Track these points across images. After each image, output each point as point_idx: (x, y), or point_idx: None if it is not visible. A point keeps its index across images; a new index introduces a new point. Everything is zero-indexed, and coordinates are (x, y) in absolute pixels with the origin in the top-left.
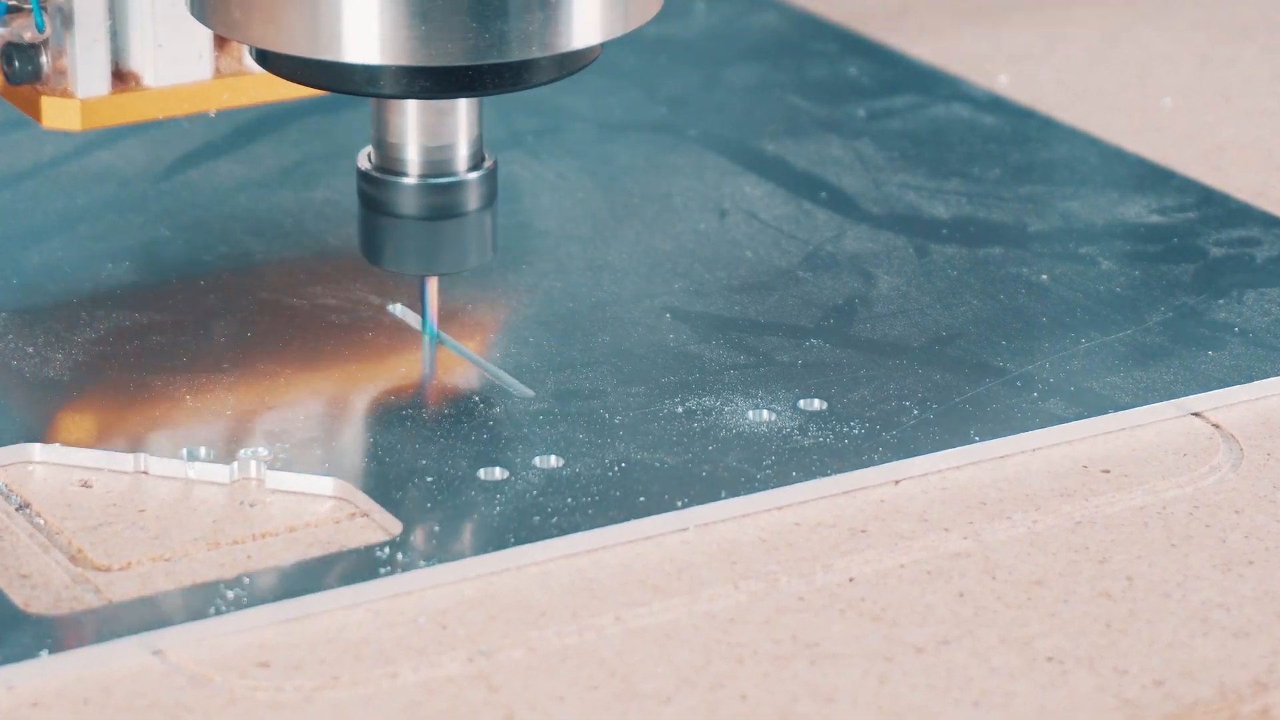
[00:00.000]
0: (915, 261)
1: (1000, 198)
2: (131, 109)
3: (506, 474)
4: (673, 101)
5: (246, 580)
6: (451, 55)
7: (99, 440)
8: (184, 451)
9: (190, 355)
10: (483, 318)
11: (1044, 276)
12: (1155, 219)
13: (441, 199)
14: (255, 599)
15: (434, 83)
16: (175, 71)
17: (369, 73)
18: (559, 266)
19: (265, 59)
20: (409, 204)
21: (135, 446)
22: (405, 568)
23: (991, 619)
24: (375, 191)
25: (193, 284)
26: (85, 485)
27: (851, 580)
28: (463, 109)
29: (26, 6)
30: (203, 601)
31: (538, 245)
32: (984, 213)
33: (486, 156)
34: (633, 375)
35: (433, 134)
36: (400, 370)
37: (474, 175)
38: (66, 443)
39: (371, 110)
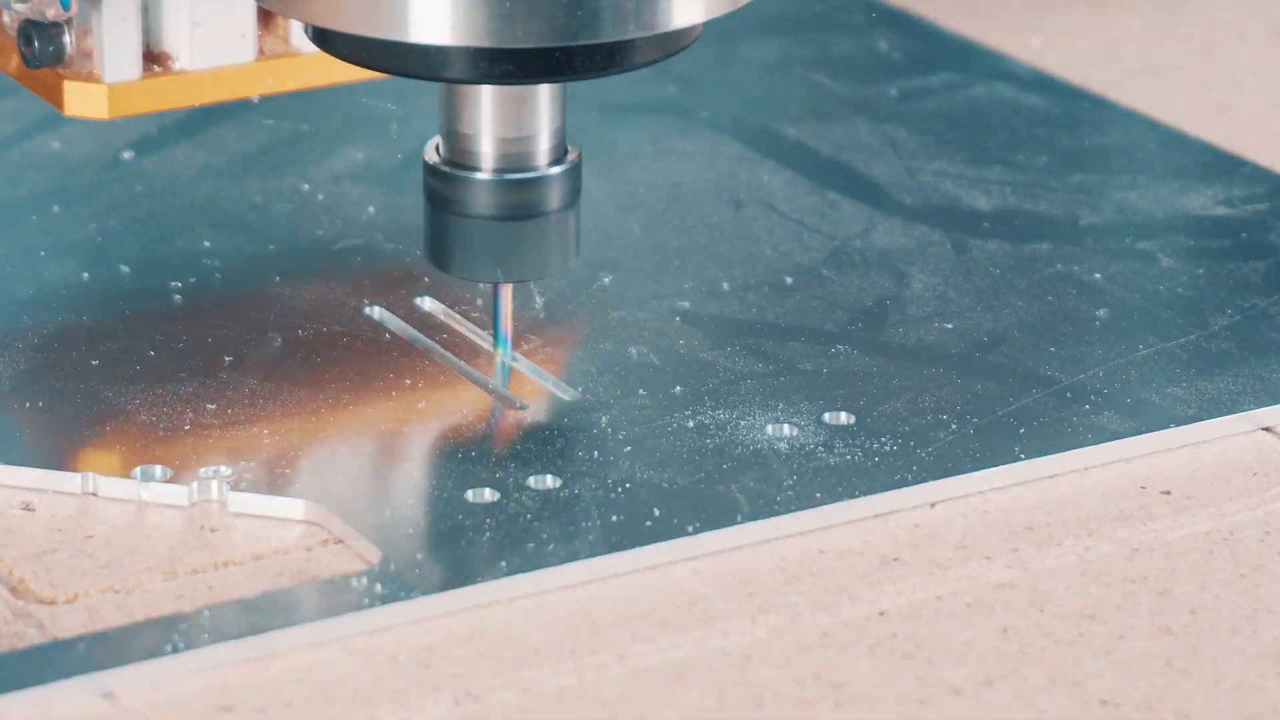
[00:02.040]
0: (953, 258)
1: (1048, 187)
2: (165, 95)
3: (497, 496)
4: (682, 80)
5: (207, 614)
6: (538, 35)
7: (42, 458)
8: (137, 471)
9: (144, 363)
10: (473, 320)
11: (1097, 275)
12: (1221, 211)
13: (519, 196)
14: (216, 635)
15: (517, 66)
16: (214, 53)
17: (444, 55)
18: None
19: (325, 39)
20: (482, 202)
21: (83, 465)
22: (384, 600)
23: (1039, 657)
24: (444, 188)
25: (147, 283)
26: (27, 508)
27: (882, 614)
28: (545, 96)
29: None
30: (158, 638)
31: None
32: (1030, 204)
33: (570, 149)
34: (638, 385)
35: (511, 124)
36: (379, 380)
37: (556, 170)
38: (6, 461)
39: (441, 97)
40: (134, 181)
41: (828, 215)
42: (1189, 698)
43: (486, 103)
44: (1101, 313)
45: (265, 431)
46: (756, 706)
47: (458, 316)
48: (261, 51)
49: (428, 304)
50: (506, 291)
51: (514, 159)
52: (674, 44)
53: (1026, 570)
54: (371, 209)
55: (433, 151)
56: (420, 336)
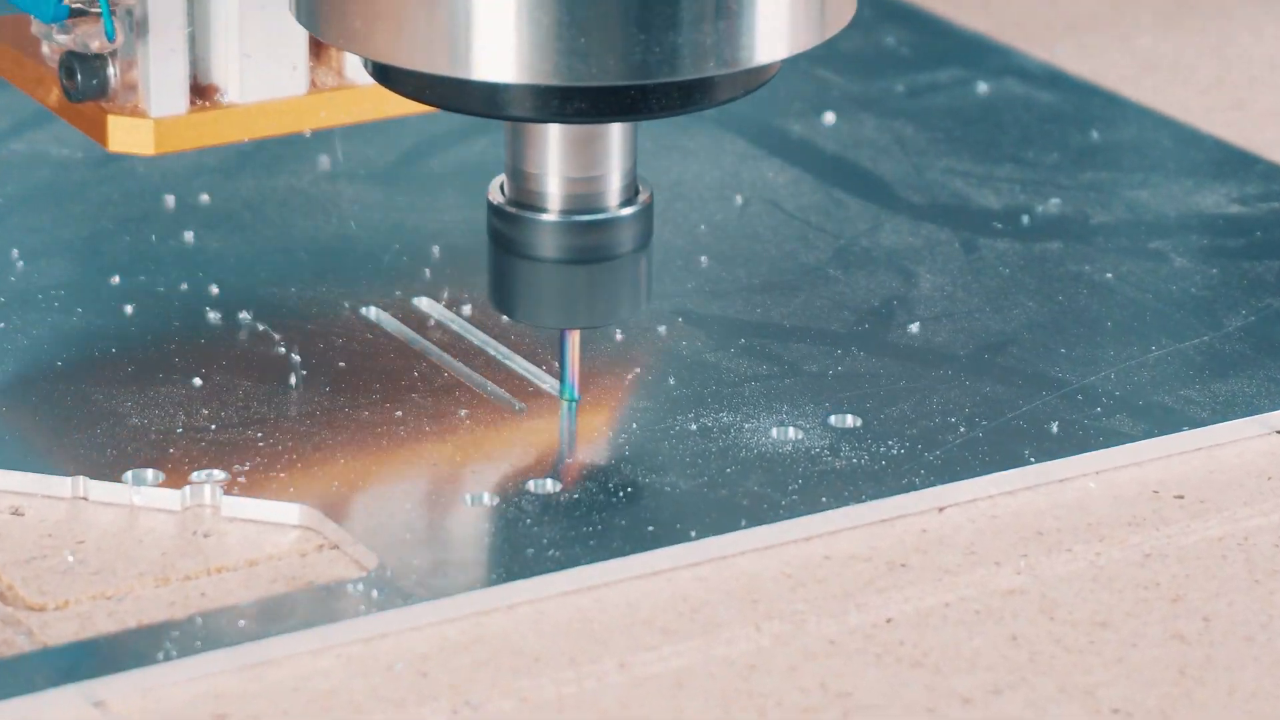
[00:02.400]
0: (962, 258)
1: (1059, 185)
2: (213, 130)
3: (496, 500)
4: None
5: (200, 621)
6: (612, 73)
7: (32, 462)
8: (129, 475)
9: (136, 365)
10: (469, 319)
11: (1109, 275)
12: (1236, 209)
13: (588, 239)
14: (210, 643)
15: (589, 105)
16: (264, 86)
17: (511, 93)
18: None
19: (385, 75)
20: (549, 245)
21: (73, 469)
22: (380, 607)
23: (1049, 665)
24: (509, 229)
25: (139, 284)
26: (16, 513)
27: (889, 621)
28: (616, 133)
29: (94, 10)
30: (150, 645)
31: None
32: (1040, 202)
33: (641, 189)
34: (639, 387)
35: (580, 163)
36: (376, 382)
37: (627, 211)
38: None
39: (506, 135)
40: (126, 180)
41: (833, 214)
42: (1203, 707)
43: (555, 141)
44: (1113, 313)
45: (259, 434)
46: (760, 716)
47: (455, 317)
48: (314, 84)
49: (425, 304)
50: (574, 338)
51: (583, 199)
52: (755, 80)
53: (1036, 576)
54: (369, 207)
55: (497, 191)
56: (417, 338)
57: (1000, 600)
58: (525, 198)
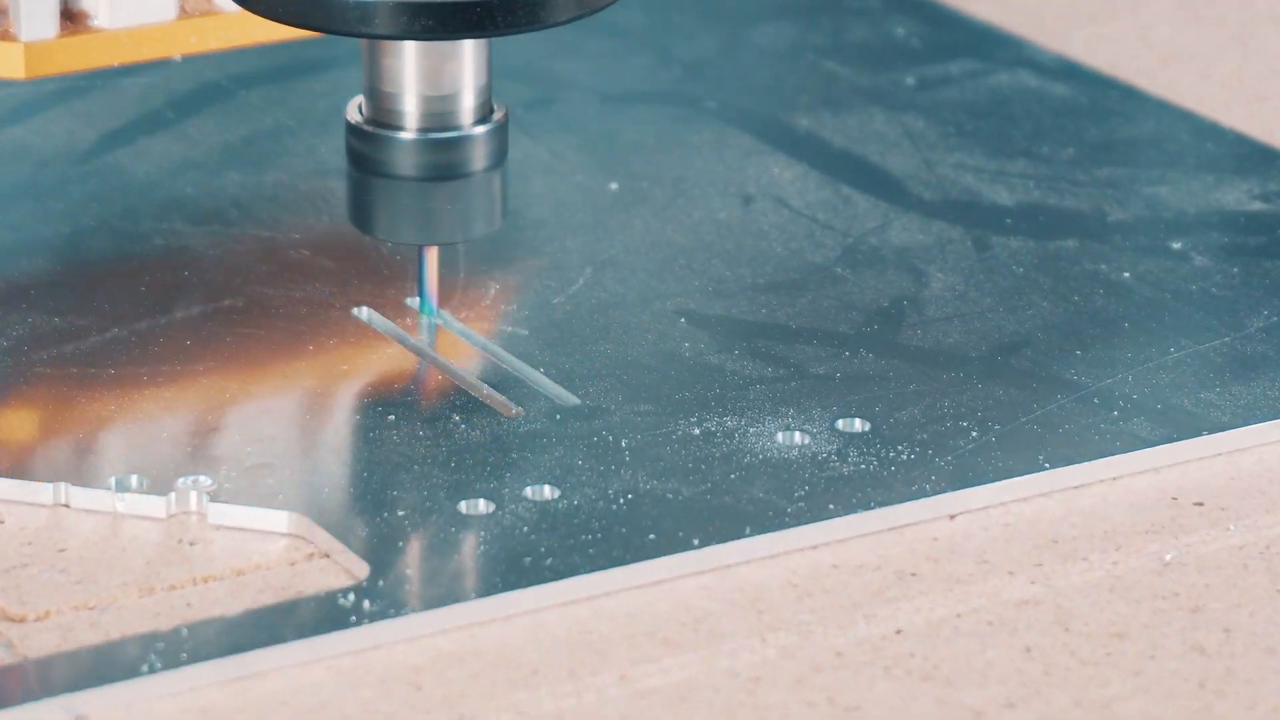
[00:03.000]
0: (974, 256)
1: (1074, 181)
2: (84, 54)
3: (492, 507)
4: (688, 67)
5: (185, 632)
6: None
7: (12, 467)
8: (112, 480)
9: (119, 366)
10: (464, 323)
11: (1126, 274)
12: (1258, 206)
13: (443, 156)
14: (196, 655)
15: (438, 21)
16: (134, 11)
17: (363, 9)
18: (554, 262)
19: None
20: (406, 162)
21: (54, 474)
22: (373, 618)
23: (1064, 678)
24: (367, 148)
25: (123, 282)
26: None
27: (899, 633)
28: (469, 52)
29: None
30: (134, 658)
31: (529, 237)
32: (1055, 199)
33: (496, 108)
34: (640, 390)
35: (434, 81)
36: (367, 384)
37: (481, 130)
38: None
39: (363, 54)
40: (109, 176)
41: (841, 211)
42: None
43: (410, 59)
44: (1130, 314)
45: (247, 439)
46: None
47: (449, 318)
48: (183, 10)
49: (417, 304)
50: (432, 255)
51: (438, 118)
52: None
53: (1051, 586)
54: None
55: (354, 111)
56: (410, 339)
57: (1014, 611)
58: (382, 117)
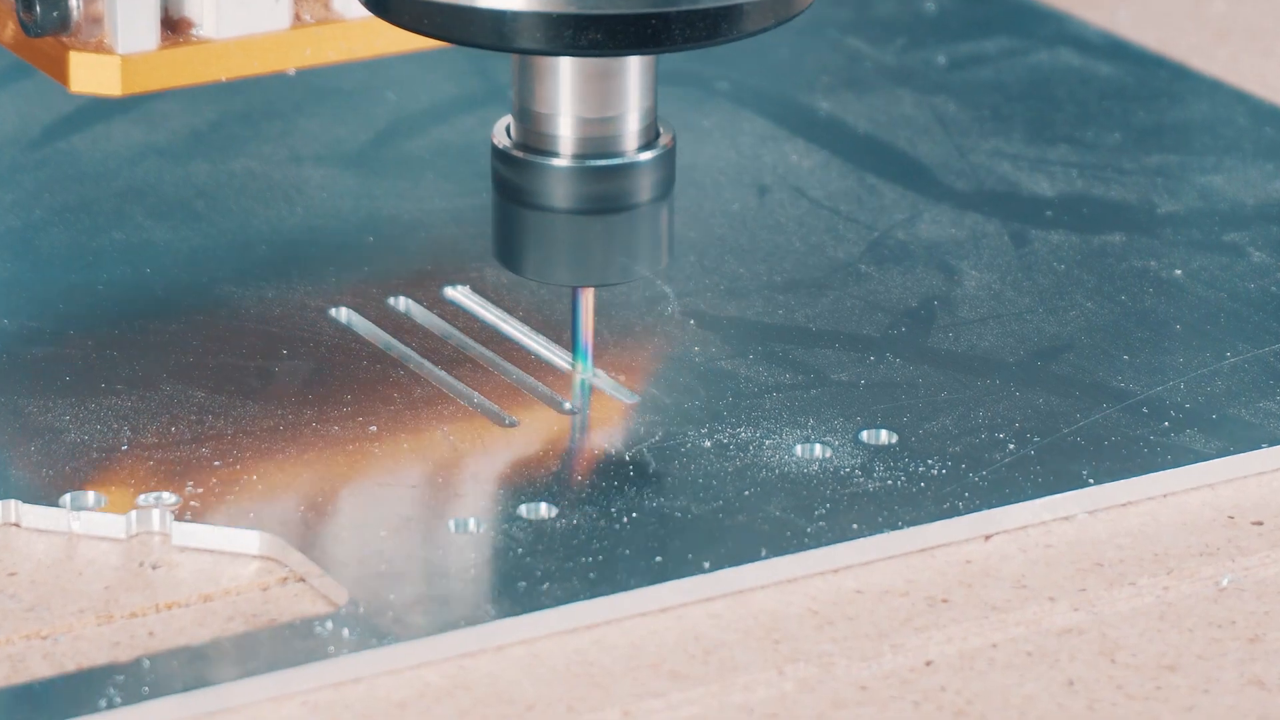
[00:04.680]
0: (1011, 252)
1: (1121, 170)
2: (187, 68)
3: (483, 526)
4: None
5: (147, 664)
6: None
7: None
8: (67, 498)
9: (75, 373)
10: (452, 325)
11: (1177, 272)
12: None
13: (604, 186)
14: (159, 689)
15: (605, 35)
16: (243, 20)
17: (520, 21)
18: None
19: (381, 3)
20: (560, 193)
21: (4, 491)
22: (352, 648)
23: (1110, 714)
24: (515, 176)
25: (78, 280)
26: None
27: (929, 664)
28: (634, 71)
29: None
30: (91, 691)
31: None
32: (1100, 189)
33: (663, 131)
34: (647, 399)
35: (595, 103)
36: (346, 393)
37: (647, 156)
38: None
39: (513, 70)
40: (63, 164)
41: (866, 202)
42: None
43: (567, 78)
44: (1182, 315)
45: (215, 453)
46: None
47: (437, 319)
48: (298, 18)
49: (402, 304)
50: (587, 296)
51: (598, 143)
52: (790, 9)
53: (1096, 614)
54: (339, 194)
55: (502, 134)
56: (394, 342)
57: (1055, 641)
58: (534, 141)
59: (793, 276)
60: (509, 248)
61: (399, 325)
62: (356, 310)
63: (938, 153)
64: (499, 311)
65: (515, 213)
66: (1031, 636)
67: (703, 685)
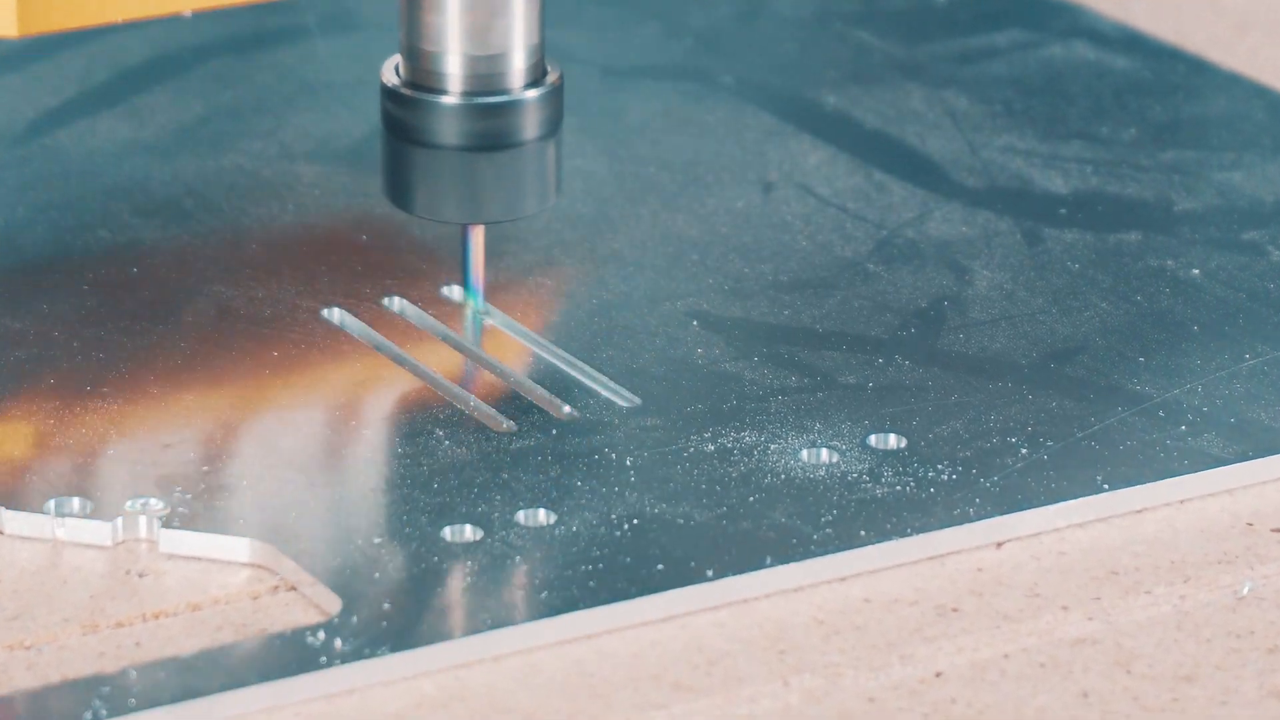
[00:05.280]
0: (1024, 251)
1: (1137, 166)
2: (84, 9)
3: (480, 534)
4: (701, 37)
5: (134, 675)
6: None
7: None
8: (51, 503)
9: (59, 375)
10: (448, 326)
11: (1195, 271)
12: None
13: (492, 123)
14: (146, 700)
15: None
16: None
17: None
18: (550, 258)
19: None
20: (449, 130)
21: None
22: (345, 658)
23: None
24: (404, 114)
25: (63, 280)
26: None
27: (939, 675)
28: (520, 7)
29: None
30: (76, 704)
31: (524, 230)
32: (1115, 186)
33: (550, 69)
34: (648, 402)
35: (481, 40)
36: (339, 396)
37: (533, 93)
38: None
39: (400, 8)
40: (47, 160)
41: (874, 199)
42: None
43: (454, 14)
44: (1200, 315)
45: (204, 457)
46: None
47: (433, 320)
48: None
49: (397, 304)
50: (477, 234)
51: (485, 80)
52: None
53: (1111, 623)
54: (331, 191)
55: (391, 72)
56: (387, 344)
57: (1069, 651)
58: (423, 79)
59: (798, 276)
60: (398, 186)
61: (393, 326)
62: (349, 310)
63: (948, 149)
64: (497, 311)
65: (404, 151)
66: (1044, 647)
67: (706, 697)
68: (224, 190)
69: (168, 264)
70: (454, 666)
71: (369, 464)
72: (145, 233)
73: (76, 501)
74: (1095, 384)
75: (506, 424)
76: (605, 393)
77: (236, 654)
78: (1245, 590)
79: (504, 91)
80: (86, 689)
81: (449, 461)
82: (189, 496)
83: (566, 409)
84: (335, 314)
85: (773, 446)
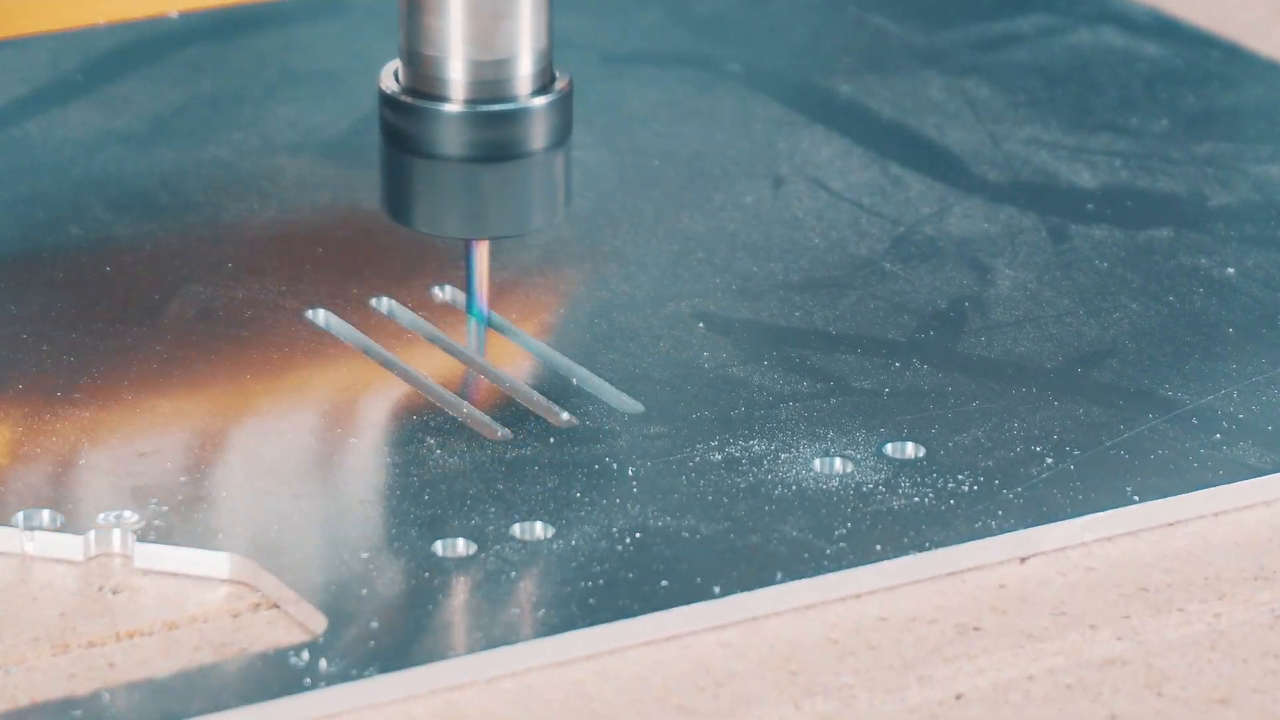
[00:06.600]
0: (1049, 249)
1: (1169, 159)
2: (56, 10)
3: (474, 548)
4: (707, 23)
5: (107, 698)
6: None
7: None
8: (19, 516)
9: (28, 379)
10: (440, 329)
11: (1230, 270)
12: None
13: (497, 132)
14: None
15: None
16: None
17: None
18: (549, 256)
19: None
20: (452, 140)
21: None
22: (331, 680)
23: None
24: (404, 123)
25: (32, 279)
26: None
27: (959, 698)
28: (526, 10)
29: None
30: None
31: None
32: (1146, 180)
33: (558, 76)
34: (651, 408)
35: (486, 45)
36: (325, 402)
37: (541, 101)
38: None
39: (400, 10)
40: (14, 152)
41: (890, 194)
42: None
43: (457, 17)
44: (1235, 317)
45: (181, 467)
46: None
47: (424, 322)
48: None
49: (386, 305)
50: (482, 250)
51: (490, 87)
52: None
53: (1141, 643)
54: (314, 186)
55: (390, 78)
56: (376, 347)
57: (1097, 672)
58: (423, 85)
59: (811, 275)
60: (398, 199)
61: (381, 328)
62: (335, 312)
63: (969, 141)
64: (491, 313)
65: (404, 162)
66: (1071, 668)
67: None
68: (202, 184)
69: (143, 262)
70: (446, 689)
71: (356, 474)
72: (119, 229)
73: (46, 514)
74: (1125, 390)
75: (502, 432)
76: (606, 399)
77: (215, 675)
78: None
79: (510, 99)
80: (57, 712)
81: (441, 471)
82: (165, 509)
83: (565, 416)
84: (320, 315)
85: (783, 456)
